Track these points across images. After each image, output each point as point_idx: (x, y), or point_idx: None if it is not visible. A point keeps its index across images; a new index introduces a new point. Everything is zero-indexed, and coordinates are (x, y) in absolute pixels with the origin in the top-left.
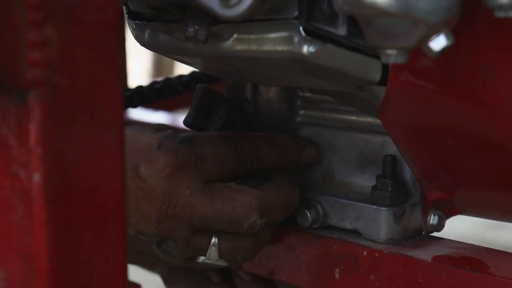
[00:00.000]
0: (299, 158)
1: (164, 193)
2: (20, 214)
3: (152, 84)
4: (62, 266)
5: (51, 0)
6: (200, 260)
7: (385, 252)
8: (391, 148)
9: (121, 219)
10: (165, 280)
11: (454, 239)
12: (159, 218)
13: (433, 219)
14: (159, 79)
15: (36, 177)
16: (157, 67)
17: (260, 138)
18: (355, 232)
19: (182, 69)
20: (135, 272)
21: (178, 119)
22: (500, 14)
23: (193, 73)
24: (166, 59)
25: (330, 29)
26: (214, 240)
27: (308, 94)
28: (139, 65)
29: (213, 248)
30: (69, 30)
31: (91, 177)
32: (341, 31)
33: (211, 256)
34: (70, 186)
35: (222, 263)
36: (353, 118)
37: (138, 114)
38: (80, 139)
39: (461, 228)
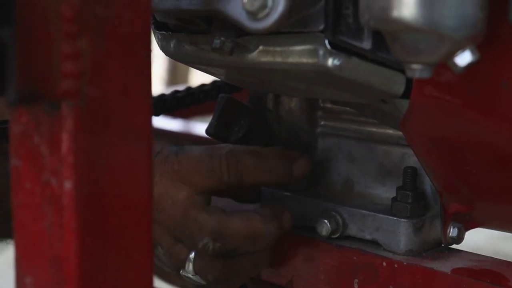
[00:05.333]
0: (291, 172)
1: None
2: (51, 221)
3: (174, 93)
4: (91, 273)
5: (85, 13)
6: (182, 273)
7: (405, 263)
8: (412, 160)
9: (148, 228)
10: None
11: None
12: None
13: (452, 232)
14: (181, 88)
15: (67, 185)
16: (172, 75)
17: (242, 152)
18: (374, 243)
19: (197, 77)
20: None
21: (195, 127)
22: None
23: (214, 82)
24: (181, 67)
25: (355, 43)
26: (192, 254)
27: (329, 105)
28: (154, 72)
29: (189, 262)
30: (101, 42)
31: (121, 186)
32: (366, 45)
33: (188, 270)
34: (100, 194)
35: (198, 279)
36: (374, 129)
37: (156, 121)
38: (111, 148)
39: (475, 240)
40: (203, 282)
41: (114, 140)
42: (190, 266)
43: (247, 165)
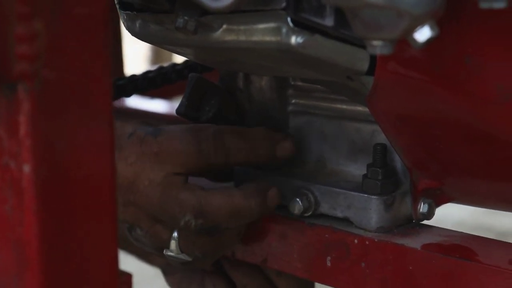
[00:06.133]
0: (274, 153)
1: (128, 180)
2: (11, 204)
3: (146, 73)
4: (53, 256)
5: None
6: (166, 253)
7: (376, 240)
8: (381, 137)
9: (111, 209)
10: (164, 270)
11: (452, 226)
12: (123, 203)
13: (423, 208)
14: (153, 68)
15: (26, 168)
16: (156, 53)
17: (228, 132)
18: (346, 221)
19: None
20: (129, 262)
21: (175, 106)
22: (484, 5)
23: (186, 61)
24: None
25: (318, 20)
26: (175, 233)
27: (299, 83)
28: (138, 51)
29: (173, 241)
30: (57, 23)
31: (81, 168)
32: (329, 22)
33: (173, 248)
34: (60, 177)
35: (184, 257)
36: (344, 106)
37: (134, 102)
38: (70, 130)
39: (459, 214)
40: (189, 259)
41: (74, 122)
42: (174, 245)
43: (233, 146)
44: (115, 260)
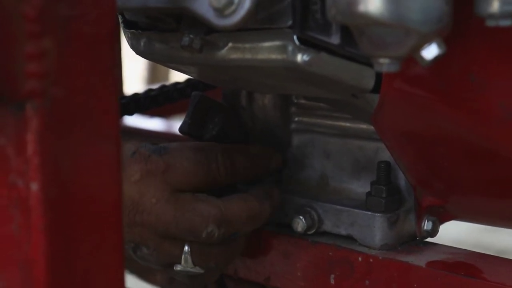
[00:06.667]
0: (268, 166)
1: (132, 200)
2: (18, 223)
3: (148, 92)
4: (60, 275)
5: (49, 12)
6: (177, 268)
7: (380, 257)
8: (385, 155)
9: (118, 228)
10: None
11: (450, 244)
12: (129, 224)
13: (427, 225)
14: (155, 86)
15: (34, 186)
16: (153, 73)
17: (234, 151)
18: (350, 238)
19: (178, 75)
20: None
21: (174, 125)
22: (491, 23)
23: (188, 80)
24: (161, 65)
25: (324, 38)
26: (186, 248)
27: (302, 101)
28: (135, 71)
29: (186, 255)
30: (66, 42)
31: (88, 187)
32: (335, 40)
33: (186, 263)
34: (68, 196)
35: (197, 270)
36: (348, 124)
37: (133, 121)
38: (77, 149)
39: (457, 232)
40: (201, 271)
41: (81, 140)
42: (188, 259)
43: (240, 165)
44: (121, 280)
